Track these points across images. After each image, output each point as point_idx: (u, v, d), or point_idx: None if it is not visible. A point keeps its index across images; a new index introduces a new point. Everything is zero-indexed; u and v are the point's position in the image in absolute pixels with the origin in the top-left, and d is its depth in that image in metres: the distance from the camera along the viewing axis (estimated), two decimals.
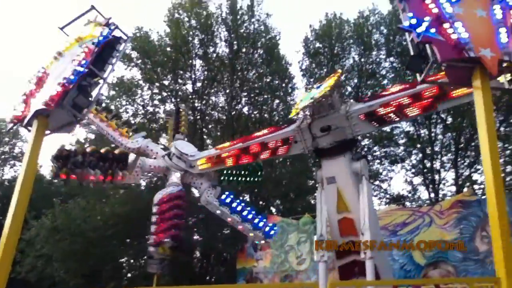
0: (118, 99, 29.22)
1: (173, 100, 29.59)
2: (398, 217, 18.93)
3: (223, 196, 13.84)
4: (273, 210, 30.11)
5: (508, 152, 25.31)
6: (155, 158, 15.23)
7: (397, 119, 10.09)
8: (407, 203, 26.73)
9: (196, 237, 27.72)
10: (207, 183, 14.18)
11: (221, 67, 29.77)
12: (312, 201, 27.48)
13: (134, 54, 29.13)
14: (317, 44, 30.42)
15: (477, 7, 6.39)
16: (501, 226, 5.28)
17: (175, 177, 14.43)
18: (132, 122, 29.38)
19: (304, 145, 10.93)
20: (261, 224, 13.46)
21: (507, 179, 24.95)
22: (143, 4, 70.53)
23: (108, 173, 13.78)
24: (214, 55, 29.94)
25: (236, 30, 29.66)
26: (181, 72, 29.71)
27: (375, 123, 10.30)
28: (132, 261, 28.79)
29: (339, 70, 12.40)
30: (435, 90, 9.01)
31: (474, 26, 6.10)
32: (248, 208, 13.74)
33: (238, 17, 29.79)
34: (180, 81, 30.02)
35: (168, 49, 29.54)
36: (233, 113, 29.68)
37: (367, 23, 29.32)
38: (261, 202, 29.17)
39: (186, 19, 29.63)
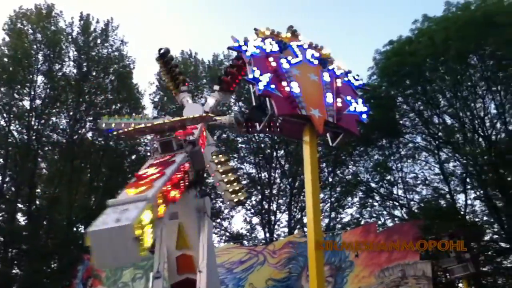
0: None
1: (4, 115, 26.65)
2: (235, 255, 19.62)
3: None
4: None
5: (333, 199, 28.59)
6: None
7: None
8: (245, 242, 27.95)
9: (15, 270, 24.70)
10: None
11: (66, 87, 27.91)
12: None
13: None
14: None
15: (311, 71, 7.37)
16: (318, 268, 5.93)
17: None
18: None
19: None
20: None
21: (331, 223, 28.15)
22: None
23: None
24: (60, 73, 27.99)
25: (87, 52, 28.33)
26: (19, 86, 27.00)
27: None
28: None
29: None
30: None
31: (307, 88, 7.00)
32: None
33: (91, 38, 28.63)
34: (16, 96, 27.25)
35: (6, 59, 26.75)
36: (75, 137, 27.82)
37: (220, 67, 30.84)
38: None
39: (31, 31, 27.42)
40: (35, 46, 27.17)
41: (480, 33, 23.20)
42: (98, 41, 28.95)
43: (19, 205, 26.86)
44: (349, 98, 7.57)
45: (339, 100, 7.30)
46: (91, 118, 28.63)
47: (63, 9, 29.39)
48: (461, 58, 24.81)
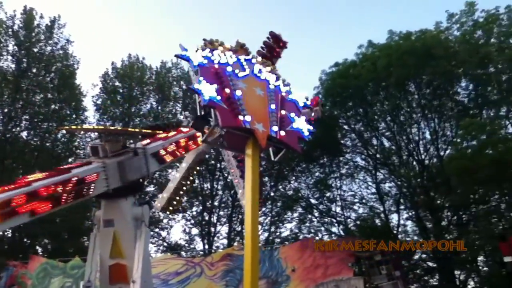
0: None
1: None
2: (172, 266, 19.26)
3: None
4: (39, 249, 27.01)
5: (274, 213, 28.87)
6: None
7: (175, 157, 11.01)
8: (183, 253, 27.50)
9: None
10: None
11: (2, 83, 26.36)
12: (86, 243, 25.73)
13: None
14: (116, 83, 29.99)
15: (257, 86, 7.49)
16: (252, 281, 5.95)
17: None
18: None
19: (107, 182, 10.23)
20: None
21: (270, 237, 28.38)
22: None
23: None
24: None
25: (28, 48, 27.02)
26: None
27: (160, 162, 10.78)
28: None
29: None
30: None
31: (253, 102, 7.09)
32: None
33: (34, 34, 27.35)
34: None
35: None
36: (8, 135, 26.27)
37: (168, 74, 30.51)
38: (25, 240, 25.94)
39: None
40: None
41: (419, 62, 24.69)
42: (42, 37, 27.70)
43: None
44: (292, 115, 7.73)
45: (283, 112, 7.44)
46: (27, 117, 27.24)
47: (4, 1, 28.02)
48: (400, 85, 26.22)
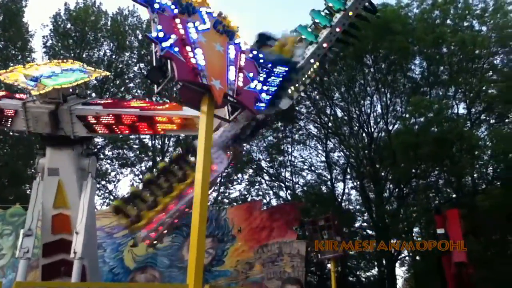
0: None
1: None
2: (117, 220, 18.99)
3: None
4: None
5: (224, 174, 28.93)
6: None
7: (112, 132, 11.07)
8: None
9: None
10: None
11: None
12: (28, 191, 24.88)
13: None
14: (69, 25, 28.36)
15: (217, 41, 7.22)
16: (199, 239, 5.95)
17: None
18: None
19: (26, 123, 10.03)
20: None
21: (219, 197, 28.62)
22: None
23: None
24: None
25: None
26: None
27: (89, 130, 10.49)
28: None
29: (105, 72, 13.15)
30: (166, 119, 10.08)
31: (212, 58, 6.86)
32: None
33: None
34: None
35: None
36: None
37: (125, 21, 29.13)
38: None
39: None
40: None
41: (378, 36, 24.95)
42: None
43: None
44: (251, 75, 7.60)
45: (241, 75, 7.30)
46: None
47: None
48: (358, 57, 26.50)
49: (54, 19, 28.25)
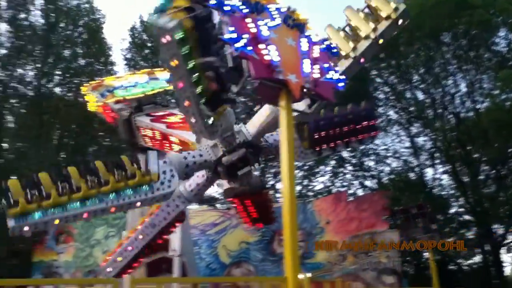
0: None
1: None
2: (208, 217, 19.81)
3: None
4: None
5: (306, 167, 28.85)
6: None
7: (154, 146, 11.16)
8: (218, 205, 28.09)
9: None
10: None
11: (33, 38, 26.74)
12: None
13: None
14: (145, 36, 29.92)
15: (288, 36, 7.17)
16: (291, 232, 5.99)
17: None
18: None
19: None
20: None
21: (303, 191, 28.53)
22: None
23: None
24: (26, 22, 26.74)
25: (54, 2, 27.10)
26: None
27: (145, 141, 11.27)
28: None
29: None
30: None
31: (285, 52, 6.82)
32: None
33: None
34: None
35: None
36: (43, 90, 26.87)
37: None
38: None
39: None
40: None
41: (454, 12, 23.36)
42: None
43: None
44: (326, 65, 7.47)
45: (316, 67, 7.19)
46: (60, 72, 27.72)
47: None
48: (434, 35, 25.00)
49: (131, 31, 29.94)
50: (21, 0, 26.14)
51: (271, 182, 28.84)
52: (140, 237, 10.18)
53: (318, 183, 29.57)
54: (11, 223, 7.09)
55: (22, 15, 26.51)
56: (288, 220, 6.01)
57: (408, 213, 13.41)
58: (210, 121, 7.66)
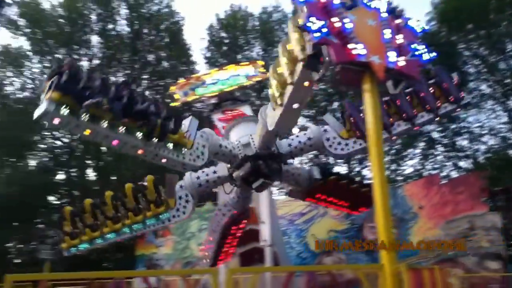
0: (1, 70, 26.82)
1: None
2: (296, 207, 19.89)
3: None
4: None
5: (393, 151, 27.80)
6: None
7: None
8: None
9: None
10: None
11: (121, 46, 28.60)
12: (215, 189, 27.59)
13: (22, 22, 26.86)
14: (222, 34, 30.63)
15: (368, 16, 6.92)
16: (385, 218, 5.84)
17: None
18: (20, 96, 27.36)
19: None
20: None
21: (391, 176, 27.53)
22: None
23: None
24: (114, 32, 28.64)
25: (137, 10, 28.71)
26: (77, 47, 28.03)
27: None
28: (22, 246, 26.59)
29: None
30: None
31: (366, 34, 6.61)
32: None
33: None
34: (75, 56, 28.18)
35: (62, 20, 27.65)
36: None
37: (270, 19, 30.20)
38: None
39: None
40: (87, 5, 27.86)
41: None
42: None
43: (88, 161, 28.40)
44: (409, 43, 7.12)
45: (399, 40, 6.91)
46: (147, 76, 29.37)
47: None
48: None
49: (209, 30, 30.84)
50: (108, 12, 28.01)
51: (357, 169, 28.24)
52: (211, 239, 11.02)
53: (408, 167, 28.41)
54: (64, 253, 9.80)
55: (110, 26, 28.40)
56: (381, 205, 5.86)
57: (510, 193, 12.38)
58: (183, 153, 8.10)
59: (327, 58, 6.22)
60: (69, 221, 9.43)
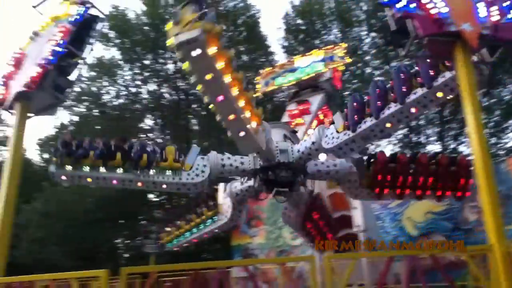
0: (98, 80, 28.89)
1: (155, 80, 29.40)
2: None
3: None
4: None
5: (491, 124, 25.73)
6: None
7: None
8: None
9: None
10: None
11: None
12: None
13: (111, 34, 28.67)
14: (298, 21, 30.32)
15: None
16: (491, 196, 5.46)
17: None
18: (115, 103, 29.44)
19: None
20: None
21: (491, 151, 25.47)
22: None
23: None
24: None
25: (215, 8, 29.42)
26: (162, 51, 29.43)
27: None
28: (129, 241, 28.83)
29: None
30: None
31: (453, 1, 6.18)
32: None
33: None
34: (161, 60, 29.66)
35: (146, 28, 29.14)
36: None
37: None
38: None
39: None
40: (168, 10, 29.06)
41: None
42: None
43: None
44: (505, 4, 6.51)
45: (493, 8, 6.31)
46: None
47: None
48: None
49: (285, 19, 30.66)
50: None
51: (452, 146, 26.59)
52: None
53: (510, 139, 26.10)
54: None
55: None
56: (484, 182, 5.48)
57: None
58: (179, 175, 8.81)
59: (412, 32, 5.92)
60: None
